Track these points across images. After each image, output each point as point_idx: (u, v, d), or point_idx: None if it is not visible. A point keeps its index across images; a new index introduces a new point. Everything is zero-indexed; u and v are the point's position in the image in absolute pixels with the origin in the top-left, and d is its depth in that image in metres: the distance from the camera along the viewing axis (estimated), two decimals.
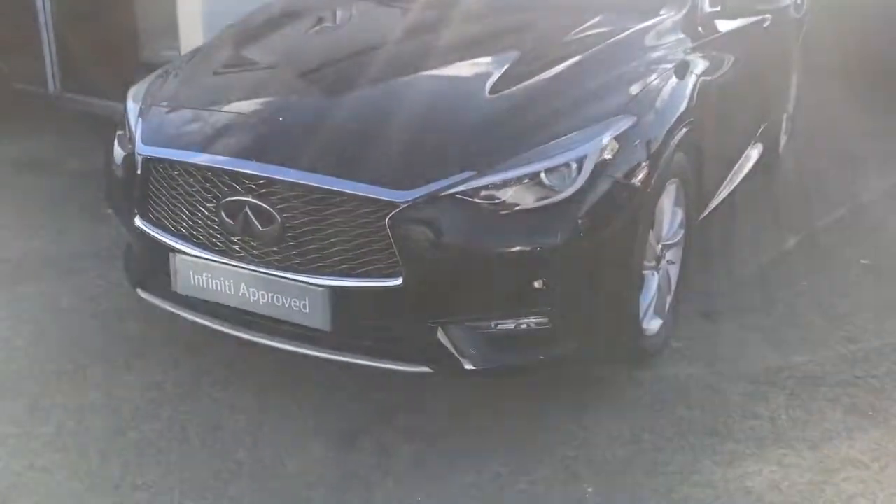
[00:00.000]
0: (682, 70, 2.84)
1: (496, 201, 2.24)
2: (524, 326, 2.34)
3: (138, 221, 2.58)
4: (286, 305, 2.35)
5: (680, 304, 3.11)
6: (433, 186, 2.23)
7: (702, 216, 3.36)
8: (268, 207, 2.31)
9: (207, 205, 2.42)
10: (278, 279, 2.34)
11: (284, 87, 2.81)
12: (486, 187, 2.24)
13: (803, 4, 4.60)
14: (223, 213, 2.38)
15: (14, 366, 2.80)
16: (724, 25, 3.28)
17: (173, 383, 2.69)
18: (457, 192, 2.23)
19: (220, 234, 2.42)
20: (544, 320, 2.33)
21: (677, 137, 2.66)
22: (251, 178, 2.33)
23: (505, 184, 2.25)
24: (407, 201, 2.22)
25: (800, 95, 5.16)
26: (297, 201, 2.29)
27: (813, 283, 3.47)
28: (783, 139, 4.93)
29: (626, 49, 2.81)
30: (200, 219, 2.45)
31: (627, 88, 2.57)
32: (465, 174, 2.25)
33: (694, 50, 3.01)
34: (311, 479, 2.28)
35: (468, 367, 2.33)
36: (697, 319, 3.19)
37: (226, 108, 2.66)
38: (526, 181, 2.27)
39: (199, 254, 2.44)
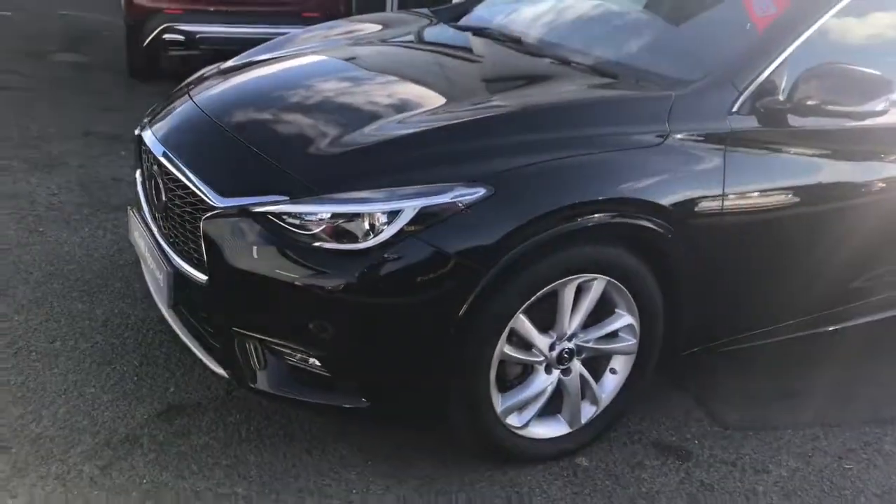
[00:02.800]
0: (640, 152, 2.35)
1: (301, 231, 2.18)
2: (304, 364, 2.26)
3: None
4: (155, 275, 2.59)
5: (614, 422, 2.63)
6: (247, 200, 2.25)
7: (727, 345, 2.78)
8: (161, 183, 2.56)
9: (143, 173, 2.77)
10: (159, 248, 2.58)
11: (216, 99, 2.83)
12: (293, 214, 2.19)
13: None
14: (147, 180, 2.70)
15: None
16: (800, 122, 2.57)
17: None
18: (267, 212, 2.22)
19: (146, 198, 2.76)
20: (318, 364, 2.23)
21: (595, 226, 2.26)
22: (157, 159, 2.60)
23: (313, 216, 2.18)
24: (221, 207, 2.28)
25: None
26: (173, 184, 2.50)
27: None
28: None
29: (549, 117, 2.40)
30: (143, 184, 2.81)
31: (507, 158, 2.22)
32: (279, 196, 2.22)
33: (698, 137, 2.44)
34: None
35: (253, 385, 2.34)
36: (642, 449, 2.64)
37: (178, 109, 2.84)
38: (332, 220, 2.16)
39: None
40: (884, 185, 2.80)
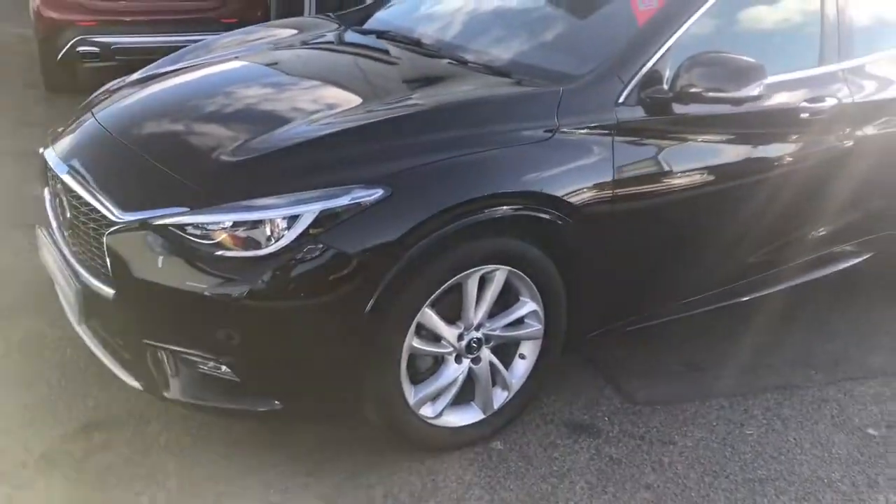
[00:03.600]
0: (530, 147, 2.46)
1: (204, 241, 2.23)
2: (216, 371, 2.31)
3: None
4: (66, 292, 2.60)
5: (527, 405, 2.74)
6: (148, 213, 2.29)
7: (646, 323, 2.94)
8: (66, 201, 2.57)
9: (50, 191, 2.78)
10: (67, 265, 2.59)
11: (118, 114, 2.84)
12: (194, 225, 2.23)
13: None
14: (53, 198, 2.70)
15: None
16: (683, 109, 2.71)
17: None
18: (169, 224, 2.26)
19: (53, 216, 2.76)
20: (228, 370, 2.28)
21: (492, 219, 2.37)
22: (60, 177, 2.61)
23: (214, 226, 2.23)
24: (123, 221, 2.31)
25: None
26: (76, 201, 2.51)
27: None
28: None
29: (444, 117, 2.48)
30: (50, 202, 2.82)
31: (403, 159, 2.30)
32: (179, 209, 2.26)
33: (587, 129, 2.55)
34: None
35: (166, 394, 2.38)
36: (555, 429, 2.75)
37: (80, 126, 2.84)
38: (234, 228, 2.22)
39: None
40: (764, 164, 2.96)
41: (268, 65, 3.17)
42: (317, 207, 2.19)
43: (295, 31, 3.60)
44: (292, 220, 2.19)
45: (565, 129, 2.52)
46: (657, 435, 2.77)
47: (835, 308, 3.74)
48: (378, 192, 2.22)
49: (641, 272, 2.84)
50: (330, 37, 3.47)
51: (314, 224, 2.19)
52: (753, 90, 2.61)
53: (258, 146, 2.41)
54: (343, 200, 2.20)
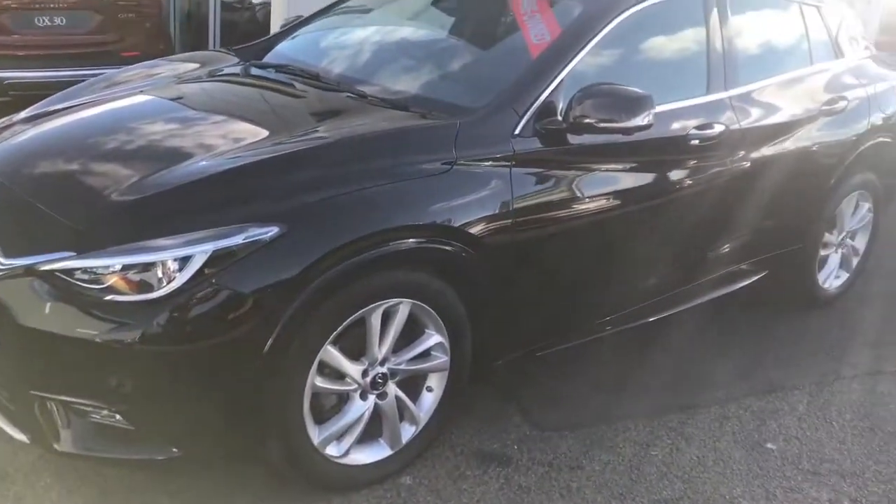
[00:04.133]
0: (428, 180, 2.48)
1: (92, 286, 2.15)
2: (109, 420, 2.22)
3: None
4: None
5: (436, 438, 2.74)
6: (32, 259, 2.20)
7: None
8: None
9: None
10: None
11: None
12: (84, 270, 2.16)
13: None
14: None
15: None
16: (578, 140, 2.77)
17: None
18: (55, 269, 2.17)
19: None
20: (122, 419, 2.20)
21: (393, 253, 2.37)
22: None
23: (104, 270, 2.15)
24: (6, 267, 2.21)
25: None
26: None
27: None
28: (826, 276, 4.17)
29: (341, 152, 2.48)
30: None
31: (299, 195, 2.29)
32: (65, 253, 2.18)
33: (485, 161, 2.59)
34: None
35: (57, 446, 2.27)
36: (464, 460, 2.75)
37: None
38: (123, 272, 2.15)
39: None
40: (658, 189, 3.06)
41: (169, 99, 3.10)
42: (209, 247, 2.14)
43: (198, 65, 3.54)
44: (184, 261, 2.14)
45: (463, 162, 2.55)
46: (565, 460, 2.80)
47: (734, 326, 3.88)
48: (273, 230, 2.19)
49: (545, 299, 2.89)
50: (230, 71, 3.42)
51: (208, 264, 2.14)
52: (642, 120, 2.69)
53: (152, 184, 2.35)
54: (237, 239, 2.16)
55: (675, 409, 3.16)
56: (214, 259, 2.14)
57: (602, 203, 2.86)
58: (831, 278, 4.23)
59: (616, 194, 2.91)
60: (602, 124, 2.69)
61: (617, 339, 3.29)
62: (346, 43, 3.60)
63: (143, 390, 2.19)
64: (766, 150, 3.46)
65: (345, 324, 2.35)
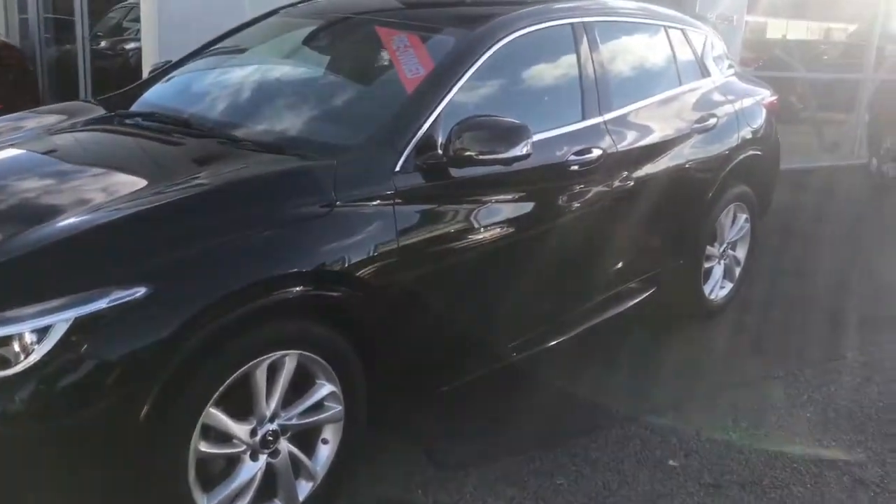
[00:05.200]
0: (307, 224, 2.40)
1: None
2: None
3: None
4: None
5: (336, 490, 2.62)
6: None
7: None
8: None
9: None
10: None
11: None
12: None
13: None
14: None
15: None
16: (459, 173, 2.74)
17: None
18: None
19: None
20: None
21: (274, 303, 2.27)
22: None
23: None
24: None
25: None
26: None
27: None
28: (712, 287, 4.29)
29: (210, 202, 2.36)
30: None
31: (166, 250, 2.16)
32: None
33: (366, 201, 2.53)
34: None
35: None
36: None
37: None
38: None
39: None
40: (542, 217, 3.07)
41: (35, 153, 2.91)
42: (70, 315, 1.99)
43: (65, 117, 3.34)
44: (44, 331, 1.97)
45: (344, 203, 2.48)
46: (471, 499, 2.73)
47: (628, 345, 3.93)
48: (140, 291, 2.05)
49: (440, 334, 2.84)
50: (95, 123, 3.25)
51: (72, 332, 1.98)
52: (521, 150, 2.69)
53: (12, 248, 2.17)
54: (100, 304, 2.01)
55: (578, 433, 3.16)
56: (79, 326, 1.99)
57: (489, 234, 2.84)
58: (717, 289, 4.35)
59: (502, 224, 2.89)
60: (482, 156, 2.67)
61: (517, 369, 3.27)
62: (217, 86, 3.48)
63: (5, 476, 2.00)
64: (645, 171, 3.53)
65: (227, 383, 2.22)
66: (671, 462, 3.02)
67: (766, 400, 3.53)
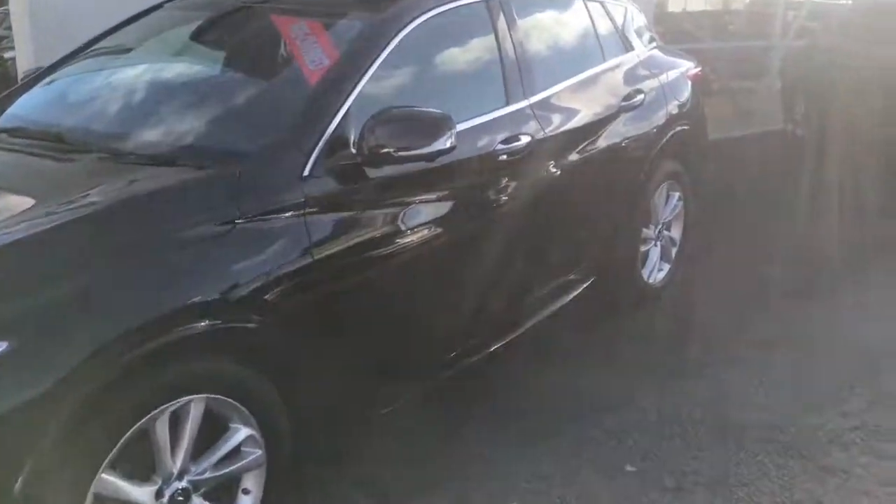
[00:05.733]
0: (204, 246, 2.07)
1: None
2: None
3: None
4: None
5: None
6: None
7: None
8: None
9: None
10: None
11: None
12: None
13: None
14: None
15: None
16: (378, 173, 2.45)
17: None
18: None
19: None
20: None
21: (168, 344, 1.93)
22: None
23: None
24: None
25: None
26: None
27: None
28: (650, 271, 4.11)
29: (84, 233, 1.99)
30: None
31: (30, 295, 1.80)
32: None
33: (272, 213, 2.21)
34: None
35: None
36: None
37: None
38: None
39: None
40: (474, 213, 2.81)
41: None
42: None
43: None
44: None
45: (247, 218, 2.15)
46: None
47: (571, 341, 3.70)
48: (2, 346, 1.70)
49: (370, 354, 2.54)
50: None
51: None
52: (444, 143, 2.42)
53: None
54: None
55: (529, 444, 2.91)
56: None
57: (415, 237, 2.56)
58: (655, 272, 4.18)
59: (429, 225, 2.62)
60: (401, 153, 2.38)
61: (460, 382, 3.00)
62: (97, 92, 3.07)
63: None
64: (575, 155, 3.31)
65: (121, 442, 1.88)
66: (629, 468, 2.80)
67: (716, 387, 3.36)
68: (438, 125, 2.41)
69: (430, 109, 2.44)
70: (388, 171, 2.45)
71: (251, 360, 2.14)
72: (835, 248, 4.88)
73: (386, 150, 2.37)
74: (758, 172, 6.61)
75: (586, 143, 3.38)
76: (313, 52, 2.64)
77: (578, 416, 3.08)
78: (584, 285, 3.68)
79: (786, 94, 8.28)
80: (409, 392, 2.76)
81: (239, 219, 2.13)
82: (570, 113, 3.35)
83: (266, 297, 2.13)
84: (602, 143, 3.49)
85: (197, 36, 3.22)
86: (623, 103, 3.66)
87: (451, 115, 2.45)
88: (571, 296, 3.60)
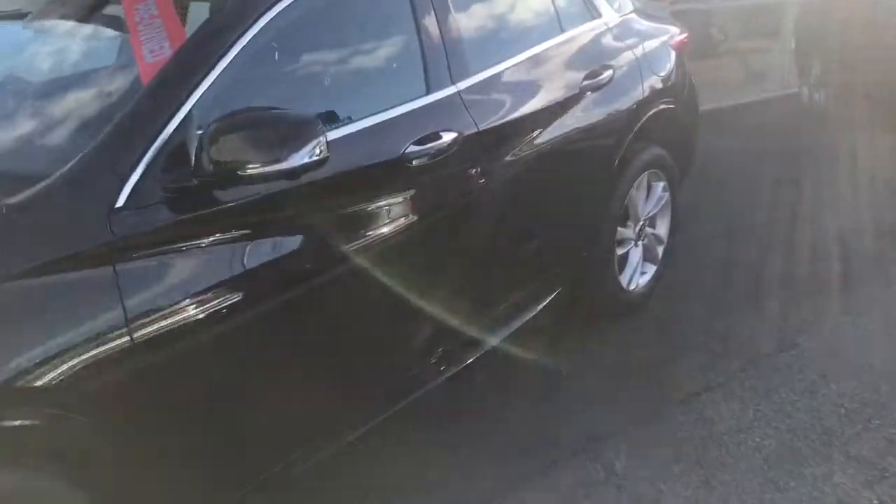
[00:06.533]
0: None
1: None
2: None
3: None
4: None
5: None
6: None
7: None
8: None
9: None
10: None
11: None
12: None
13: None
14: None
15: None
16: (227, 195, 1.86)
17: None
18: None
19: None
20: None
21: None
22: None
23: None
24: None
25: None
26: None
27: None
28: (630, 276, 3.48)
29: None
30: None
31: None
32: None
33: (58, 266, 1.63)
34: None
35: None
36: None
37: None
38: None
39: None
40: (371, 237, 2.19)
41: None
42: None
43: None
44: None
45: (15, 275, 1.58)
46: None
47: (544, 363, 3.11)
48: None
49: (241, 422, 1.97)
50: None
51: None
52: (305, 155, 1.81)
53: None
54: None
55: (520, 482, 2.38)
56: None
57: (268, 280, 1.95)
58: (636, 276, 3.56)
59: (305, 256, 2.03)
60: (250, 170, 1.79)
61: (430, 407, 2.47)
62: None
63: None
64: (520, 150, 2.70)
65: None
66: None
67: (702, 423, 2.76)
68: (299, 131, 1.82)
69: (289, 111, 1.85)
70: (239, 193, 1.86)
71: (68, 473, 1.59)
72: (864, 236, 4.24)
73: (230, 165, 1.78)
74: (771, 145, 5.93)
75: (535, 134, 2.76)
76: (155, 40, 2.04)
77: (572, 451, 2.54)
78: (549, 298, 3.10)
79: (800, 55, 7.55)
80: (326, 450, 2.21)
81: None
82: (515, 98, 2.73)
83: (57, 386, 1.57)
84: (557, 132, 2.87)
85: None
86: (586, 82, 3.02)
87: (316, 118, 1.85)
88: (535, 311, 3.02)
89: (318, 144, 1.82)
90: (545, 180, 2.84)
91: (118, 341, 1.65)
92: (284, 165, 1.80)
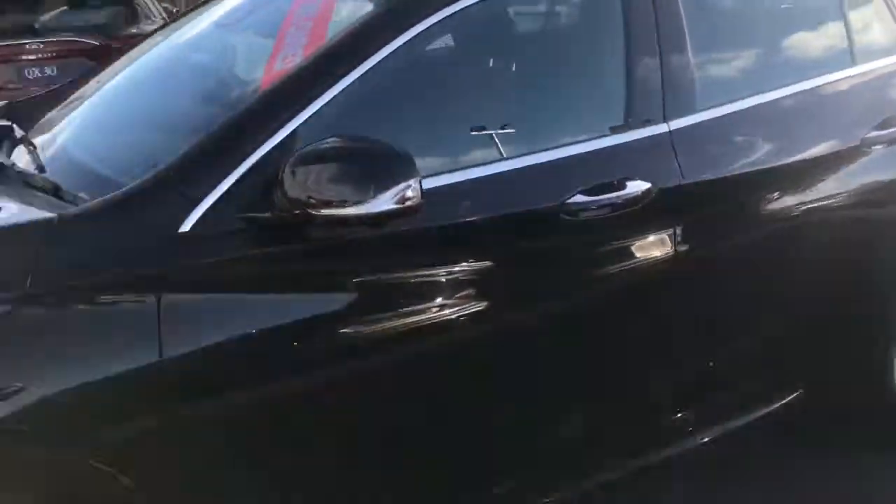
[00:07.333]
0: None
1: None
2: None
3: None
4: None
5: None
6: None
7: None
8: None
9: None
10: None
11: None
12: None
13: None
14: None
15: None
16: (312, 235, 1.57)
17: None
18: None
19: None
20: None
21: None
22: None
23: None
24: None
25: None
26: None
27: None
28: None
29: None
30: None
31: None
32: None
33: (100, 289, 1.45)
34: None
35: None
36: None
37: None
38: None
39: None
40: (514, 310, 1.76)
41: None
42: None
43: None
44: None
45: (48, 292, 1.43)
46: None
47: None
48: None
49: None
50: None
51: None
52: (387, 201, 1.45)
53: None
54: None
55: None
56: None
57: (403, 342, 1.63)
58: None
59: (404, 330, 1.66)
60: (324, 211, 1.48)
61: None
62: None
63: None
64: (749, 215, 2.07)
65: None
66: None
67: None
68: (383, 169, 1.46)
69: (380, 142, 1.49)
70: (324, 232, 1.56)
71: None
72: None
73: (304, 203, 1.48)
74: None
75: (775, 195, 2.10)
76: (293, 45, 1.82)
77: None
78: (782, 401, 2.41)
79: None
80: None
81: (28, 296, 1.40)
82: (755, 146, 2.10)
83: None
84: (814, 195, 2.17)
85: None
86: (873, 133, 2.26)
87: (410, 156, 1.47)
88: (761, 413, 2.37)
89: (407, 188, 1.45)
90: (785, 257, 2.16)
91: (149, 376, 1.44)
92: (363, 210, 1.46)
